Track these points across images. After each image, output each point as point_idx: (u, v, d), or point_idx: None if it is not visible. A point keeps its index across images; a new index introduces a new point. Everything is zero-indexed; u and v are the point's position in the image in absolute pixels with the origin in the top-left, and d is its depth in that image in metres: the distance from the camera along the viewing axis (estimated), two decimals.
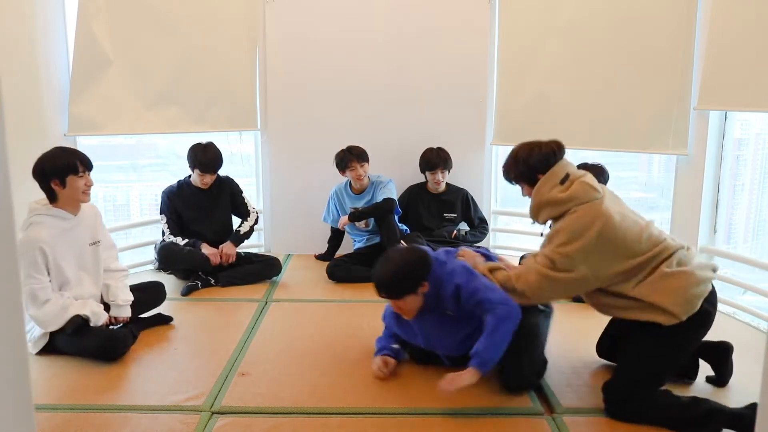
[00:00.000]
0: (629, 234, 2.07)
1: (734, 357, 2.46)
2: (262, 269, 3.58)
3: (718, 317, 3.08)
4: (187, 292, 3.34)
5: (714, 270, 2.17)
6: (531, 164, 2.19)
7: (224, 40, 3.92)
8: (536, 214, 2.21)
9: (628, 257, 2.06)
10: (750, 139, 3.78)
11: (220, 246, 3.50)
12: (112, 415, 2.07)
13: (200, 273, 3.46)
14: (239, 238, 3.58)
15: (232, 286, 3.45)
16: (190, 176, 3.58)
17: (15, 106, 3.02)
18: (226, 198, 3.64)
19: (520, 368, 2.24)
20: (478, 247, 2.73)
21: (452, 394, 2.05)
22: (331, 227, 3.99)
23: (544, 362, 2.39)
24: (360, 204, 3.77)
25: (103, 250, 2.72)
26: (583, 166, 3.24)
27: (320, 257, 4.05)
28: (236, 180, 3.72)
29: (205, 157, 3.44)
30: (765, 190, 3.84)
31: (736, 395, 2.22)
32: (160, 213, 3.56)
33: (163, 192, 3.58)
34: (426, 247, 2.38)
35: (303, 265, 3.96)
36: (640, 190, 4.62)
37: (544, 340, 2.38)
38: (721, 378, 2.32)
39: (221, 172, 3.63)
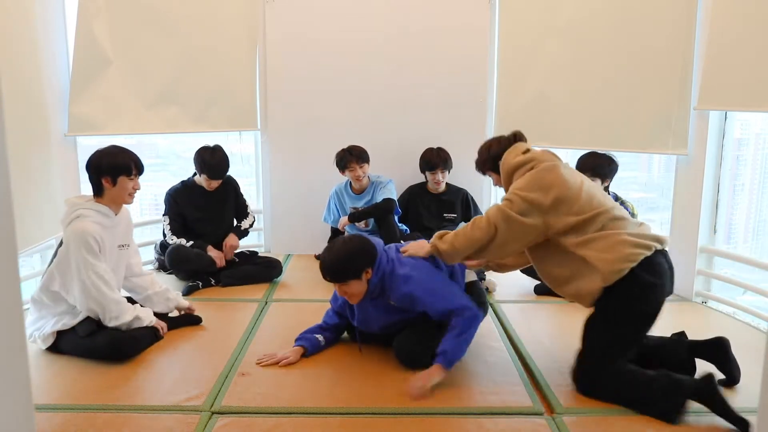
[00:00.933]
0: (585, 197, 2.19)
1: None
2: (262, 271, 3.58)
3: (718, 317, 3.10)
4: (188, 292, 3.34)
5: (660, 241, 2.19)
6: (493, 154, 2.42)
7: (224, 40, 3.92)
8: (509, 183, 2.36)
9: (580, 213, 2.17)
10: (750, 139, 3.78)
11: (225, 241, 3.51)
12: (112, 415, 2.06)
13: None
14: (241, 232, 3.64)
15: (232, 287, 3.46)
16: (194, 175, 3.58)
17: (15, 106, 3.02)
18: (232, 199, 3.66)
19: (416, 341, 2.41)
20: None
21: (424, 394, 2.15)
22: (331, 227, 3.99)
23: None
24: (360, 204, 3.77)
25: (132, 255, 2.77)
26: (591, 155, 3.28)
27: (320, 257, 4.05)
28: (237, 180, 3.73)
29: (213, 160, 3.43)
30: (765, 190, 3.85)
31: (735, 395, 2.22)
32: (164, 215, 3.55)
33: (167, 193, 3.57)
34: (377, 240, 2.47)
35: (303, 265, 3.96)
36: (640, 190, 4.62)
37: None
38: (730, 376, 2.29)
39: None
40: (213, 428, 1.99)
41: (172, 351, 2.60)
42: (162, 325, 2.70)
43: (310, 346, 2.54)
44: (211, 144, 3.49)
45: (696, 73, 3.22)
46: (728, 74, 3.01)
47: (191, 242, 3.47)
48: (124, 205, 2.66)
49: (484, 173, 2.54)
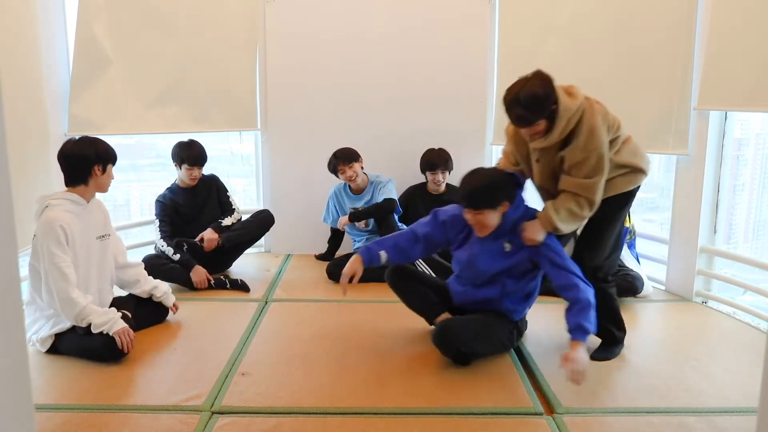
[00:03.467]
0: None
1: (733, 357, 2.47)
2: (257, 226, 3.65)
3: (718, 317, 3.10)
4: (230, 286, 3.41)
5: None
6: (550, 96, 2.25)
7: (224, 39, 3.92)
8: (567, 127, 2.30)
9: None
10: (750, 139, 3.78)
11: (201, 234, 3.50)
12: (112, 415, 2.06)
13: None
14: (221, 227, 3.57)
15: (239, 290, 3.39)
16: (175, 181, 3.64)
17: (15, 105, 3.02)
18: (214, 196, 3.69)
19: (461, 325, 2.45)
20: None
21: (582, 374, 2.10)
22: (331, 227, 3.99)
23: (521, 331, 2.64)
24: (359, 204, 3.77)
25: (115, 245, 2.73)
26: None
27: (320, 257, 4.05)
28: (236, 180, 3.75)
29: (191, 150, 3.52)
30: (765, 190, 3.85)
31: (735, 395, 2.22)
32: (155, 219, 3.57)
33: (156, 200, 3.61)
34: (522, 177, 2.47)
35: (303, 265, 3.96)
36: (640, 190, 4.61)
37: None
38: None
39: (206, 171, 3.68)
40: (213, 428, 1.99)
41: (172, 351, 2.61)
42: (131, 337, 2.48)
43: (367, 258, 2.48)
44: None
45: (696, 73, 3.22)
46: (728, 74, 3.01)
47: (178, 256, 3.39)
48: (97, 196, 2.62)
49: (533, 123, 2.23)
